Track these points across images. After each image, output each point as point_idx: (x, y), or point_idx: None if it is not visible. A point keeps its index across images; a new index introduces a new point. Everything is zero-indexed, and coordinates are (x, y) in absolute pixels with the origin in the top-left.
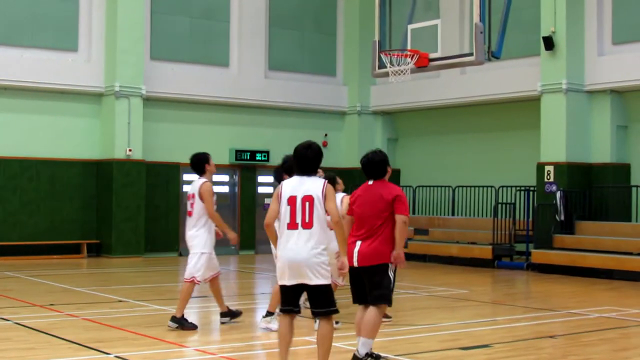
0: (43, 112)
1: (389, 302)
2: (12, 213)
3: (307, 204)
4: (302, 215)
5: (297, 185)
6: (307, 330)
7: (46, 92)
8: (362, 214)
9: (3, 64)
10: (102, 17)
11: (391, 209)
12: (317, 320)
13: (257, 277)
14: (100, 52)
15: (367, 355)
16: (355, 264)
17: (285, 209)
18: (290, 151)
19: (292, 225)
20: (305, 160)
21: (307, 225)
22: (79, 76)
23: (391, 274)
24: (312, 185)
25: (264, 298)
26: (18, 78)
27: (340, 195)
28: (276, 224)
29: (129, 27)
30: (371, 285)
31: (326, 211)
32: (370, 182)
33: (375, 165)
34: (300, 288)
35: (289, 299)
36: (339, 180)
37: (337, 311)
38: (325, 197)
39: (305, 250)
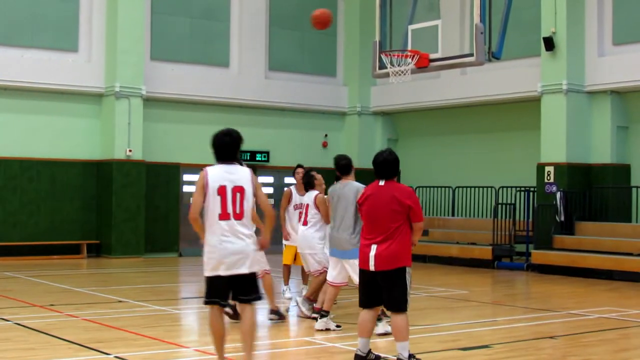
0: (43, 112)
1: (407, 305)
2: (12, 213)
3: (237, 194)
4: (233, 205)
5: (225, 175)
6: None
7: (46, 93)
8: (374, 215)
9: (3, 64)
10: (102, 18)
11: (407, 212)
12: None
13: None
14: (101, 52)
15: (411, 356)
16: (372, 268)
17: (214, 200)
18: (291, 152)
19: (224, 216)
20: (225, 147)
21: (239, 215)
22: (79, 76)
23: (408, 278)
24: (240, 175)
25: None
26: (18, 78)
27: (313, 193)
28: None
29: (129, 28)
30: (389, 290)
31: (259, 201)
32: (382, 183)
33: (390, 164)
34: (233, 279)
35: (220, 290)
36: (318, 177)
37: (262, 298)
38: (255, 187)
39: (240, 240)
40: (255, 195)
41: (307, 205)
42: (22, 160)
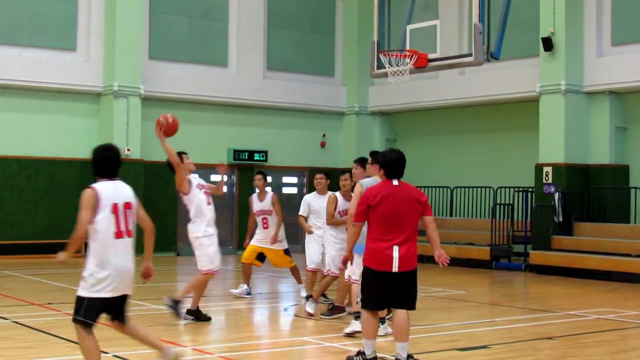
0: (42, 111)
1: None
2: (11, 212)
3: (127, 211)
4: (125, 223)
5: (114, 191)
6: (323, 328)
7: (45, 92)
8: (393, 216)
9: (2, 63)
10: (101, 17)
11: (422, 210)
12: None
13: (254, 277)
14: (99, 51)
15: (409, 357)
16: (395, 269)
17: (109, 217)
18: (290, 152)
19: (119, 234)
20: (109, 162)
21: (129, 233)
22: (78, 76)
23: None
24: (127, 192)
25: (261, 298)
26: (17, 77)
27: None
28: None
29: (127, 27)
30: (407, 290)
31: (140, 218)
32: (396, 182)
33: (404, 163)
34: (116, 300)
35: (98, 312)
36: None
37: None
38: (137, 202)
39: (130, 259)
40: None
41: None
42: (21, 159)
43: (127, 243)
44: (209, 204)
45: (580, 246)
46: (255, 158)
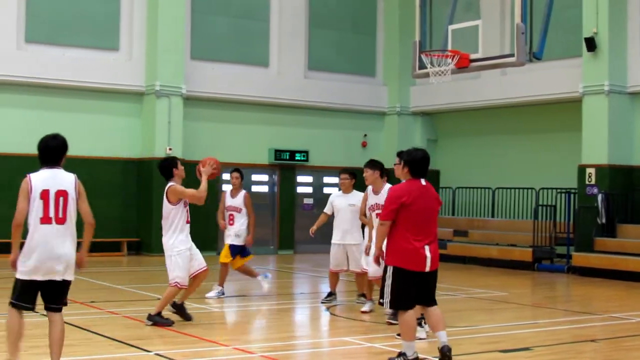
0: (84, 110)
1: None
2: None
3: (61, 198)
4: (55, 210)
5: (48, 179)
6: (364, 329)
7: (87, 91)
8: (424, 216)
9: (45, 63)
10: (143, 17)
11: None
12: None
13: (296, 277)
14: (141, 51)
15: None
16: (428, 269)
17: (38, 203)
18: (330, 152)
19: (46, 220)
20: (50, 150)
21: (61, 220)
22: (120, 75)
23: None
24: (64, 180)
25: (302, 298)
26: (60, 77)
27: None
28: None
29: (169, 27)
30: (434, 287)
31: (82, 211)
32: (424, 182)
33: (429, 162)
34: (46, 285)
35: (31, 295)
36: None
37: (66, 304)
38: (78, 194)
39: (62, 246)
40: (77, 201)
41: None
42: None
43: (58, 229)
44: (188, 221)
45: (624, 248)
46: (296, 158)
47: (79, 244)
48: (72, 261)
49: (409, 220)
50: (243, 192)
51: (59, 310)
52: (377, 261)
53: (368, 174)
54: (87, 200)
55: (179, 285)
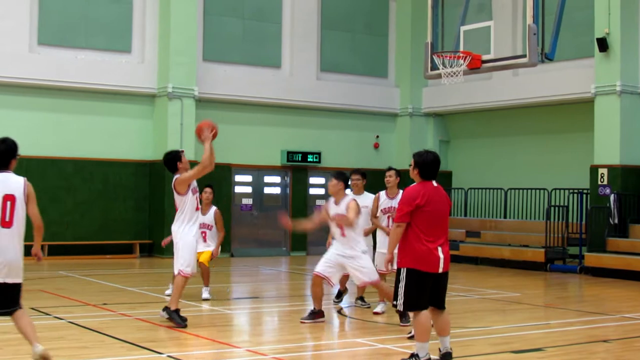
0: (97, 112)
1: None
2: (66, 213)
3: (8, 202)
4: (2, 213)
5: None
6: (376, 330)
7: (100, 93)
8: (437, 217)
9: (58, 65)
10: (155, 19)
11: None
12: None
13: (308, 279)
14: (154, 53)
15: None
16: (441, 270)
17: None
18: (343, 153)
19: None
20: None
21: (7, 224)
22: (132, 77)
23: None
24: (13, 184)
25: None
26: (72, 79)
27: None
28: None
29: (181, 29)
30: (444, 289)
31: (30, 213)
32: (435, 184)
33: (439, 165)
34: None
35: None
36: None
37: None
38: (27, 197)
39: (9, 249)
40: (26, 204)
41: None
42: (76, 161)
43: (4, 233)
44: (197, 208)
45: (636, 248)
46: (308, 159)
47: (27, 248)
48: (15, 264)
49: (422, 222)
50: (214, 209)
51: (9, 314)
52: (387, 265)
53: (332, 183)
54: (36, 203)
55: (182, 274)
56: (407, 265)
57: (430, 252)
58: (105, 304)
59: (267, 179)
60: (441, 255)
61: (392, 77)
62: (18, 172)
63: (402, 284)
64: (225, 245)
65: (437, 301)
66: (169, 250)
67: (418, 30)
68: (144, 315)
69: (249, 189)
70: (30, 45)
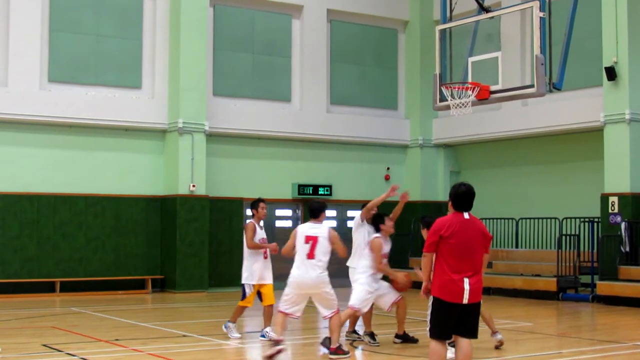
0: (108, 149)
1: None
2: (78, 249)
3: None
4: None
5: None
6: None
7: (111, 129)
8: (465, 248)
9: (68, 102)
10: (165, 55)
11: (486, 244)
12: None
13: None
14: (164, 89)
15: None
16: (465, 301)
17: None
18: (354, 185)
19: None
20: None
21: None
22: (143, 113)
23: None
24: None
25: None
26: (83, 116)
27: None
28: None
29: (191, 64)
30: (474, 320)
31: None
32: (467, 216)
33: (473, 197)
34: None
35: None
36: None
37: None
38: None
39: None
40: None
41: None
42: (87, 197)
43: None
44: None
45: None
46: (319, 192)
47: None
48: None
49: (447, 253)
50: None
51: None
52: (425, 293)
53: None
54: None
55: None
56: (433, 293)
57: (454, 282)
58: (117, 339)
59: (279, 212)
60: (466, 287)
61: (402, 109)
62: (29, 210)
63: (429, 312)
64: (237, 280)
65: (461, 331)
66: (180, 286)
67: (427, 62)
68: (156, 351)
69: (260, 223)
70: (40, 82)
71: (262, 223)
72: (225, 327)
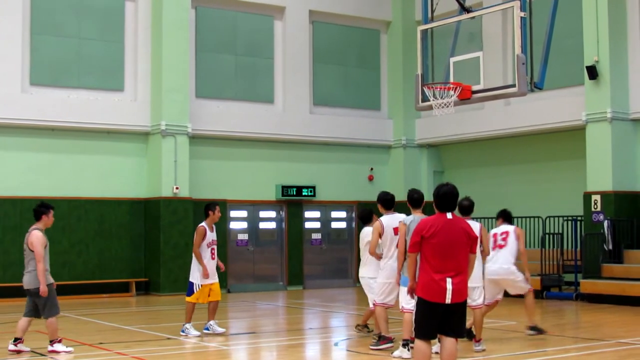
0: (90, 152)
1: None
2: (62, 253)
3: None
4: None
5: None
6: None
7: (93, 132)
8: (447, 248)
9: (51, 105)
10: (147, 57)
11: (471, 244)
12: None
13: (305, 313)
14: (146, 91)
15: None
16: (448, 300)
17: None
18: (337, 186)
19: None
20: None
21: None
22: (126, 116)
23: None
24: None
25: (312, 333)
26: (65, 119)
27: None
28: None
29: (174, 66)
30: (458, 320)
31: None
32: (449, 216)
33: (455, 197)
34: None
35: None
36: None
37: None
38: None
39: None
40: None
41: None
42: (71, 200)
43: None
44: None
45: (631, 274)
46: (303, 193)
47: None
48: None
49: (429, 253)
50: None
51: None
52: (410, 292)
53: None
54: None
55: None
56: (417, 293)
57: (436, 282)
58: (101, 343)
59: (263, 213)
60: (449, 287)
61: (384, 110)
62: (12, 213)
63: (414, 311)
64: (222, 281)
65: (445, 330)
66: (164, 288)
67: (409, 63)
68: (140, 354)
69: (244, 225)
70: (22, 86)
71: (213, 225)
72: (183, 331)
